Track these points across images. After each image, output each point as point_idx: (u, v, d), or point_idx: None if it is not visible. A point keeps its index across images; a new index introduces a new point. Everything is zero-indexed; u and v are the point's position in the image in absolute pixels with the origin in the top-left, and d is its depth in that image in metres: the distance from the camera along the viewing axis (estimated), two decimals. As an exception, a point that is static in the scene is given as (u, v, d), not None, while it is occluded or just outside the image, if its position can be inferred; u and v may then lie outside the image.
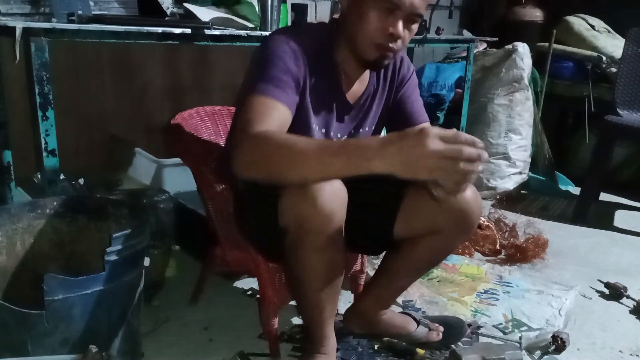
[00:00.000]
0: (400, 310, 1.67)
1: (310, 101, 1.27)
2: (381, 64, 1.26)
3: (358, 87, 1.36)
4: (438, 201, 1.07)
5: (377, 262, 1.54)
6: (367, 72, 1.37)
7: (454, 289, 1.90)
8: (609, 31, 3.44)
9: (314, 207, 1.08)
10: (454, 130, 0.93)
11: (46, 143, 1.48)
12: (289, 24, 2.22)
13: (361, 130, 1.42)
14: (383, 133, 1.51)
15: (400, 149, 0.92)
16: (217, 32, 1.75)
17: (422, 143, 0.90)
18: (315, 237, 1.13)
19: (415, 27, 1.24)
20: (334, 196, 1.09)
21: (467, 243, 2.24)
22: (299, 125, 1.26)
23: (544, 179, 3.22)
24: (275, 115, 1.12)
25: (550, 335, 1.57)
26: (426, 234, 1.34)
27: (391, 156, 0.93)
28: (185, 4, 1.84)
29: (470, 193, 1.30)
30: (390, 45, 1.21)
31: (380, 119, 1.44)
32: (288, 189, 1.11)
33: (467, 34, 3.12)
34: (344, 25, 1.26)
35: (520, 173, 3.08)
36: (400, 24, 1.18)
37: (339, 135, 1.37)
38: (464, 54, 3.07)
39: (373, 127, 1.44)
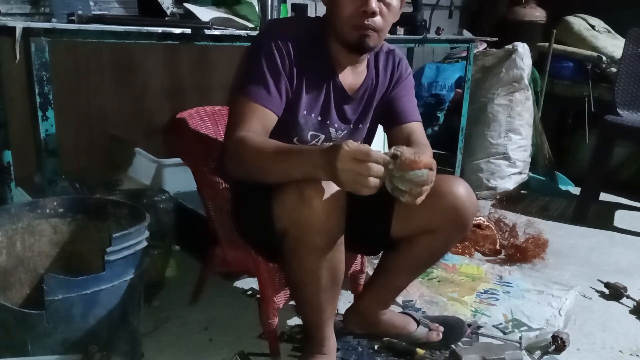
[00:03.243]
0: (400, 310, 1.67)
1: (304, 86, 1.29)
2: (364, 43, 1.26)
3: (355, 79, 1.37)
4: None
5: (377, 261, 1.54)
6: (364, 66, 1.38)
7: (454, 289, 1.90)
8: (609, 31, 3.44)
9: (311, 207, 1.09)
10: (366, 147, 0.99)
11: (46, 143, 1.48)
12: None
13: (361, 125, 1.42)
14: (380, 132, 1.52)
15: (327, 162, 1.00)
16: (217, 32, 1.75)
17: (336, 159, 0.98)
18: (315, 238, 1.13)
19: (393, 1, 1.24)
20: (330, 195, 1.10)
21: (467, 243, 2.24)
22: (291, 112, 1.29)
23: (544, 179, 3.21)
24: (257, 119, 1.21)
25: (550, 335, 1.57)
26: (422, 233, 1.35)
27: (324, 167, 1.02)
28: (185, 4, 1.84)
29: (463, 191, 1.31)
30: (367, 22, 1.22)
31: (375, 116, 1.45)
32: (283, 192, 1.11)
33: (467, 34, 3.13)
34: (328, 17, 1.30)
35: (520, 173, 3.08)
36: (372, 1, 1.20)
37: (336, 125, 1.37)
38: (464, 54, 3.07)
39: (368, 125, 1.45)
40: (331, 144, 1.07)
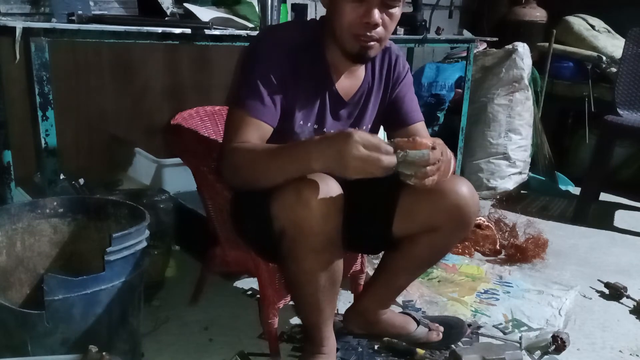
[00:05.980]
0: (400, 310, 1.67)
1: (299, 95, 1.28)
2: (366, 54, 1.24)
3: (351, 83, 1.36)
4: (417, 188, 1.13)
5: (377, 261, 1.54)
6: (362, 68, 1.37)
7: (454, 289, 1.90)
8: (609, 31, 3.45)
9: (309, 208, 1.09)
10: (377, 138, 1.04)
11: (46, 143, 1.48)
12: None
13: (357, 128, 1.41)
14: (381, 132, 1.51)
15: (331, 151, 1.02)
16: (217, 32, 1.75)
17: (346, 147, 1.01)
18: (313, 239, 1.13)
19: (395, 11, 1.22)
20: (328, 196, 1.10)
21: (467, 243, 2.24)
22: (286, 121, 1.28)
23: (544, 179, 3.22)
24: (253, 131, 1.21)
25: (550, 335, 1.57)
26: (424, 231, 1.35)
27: (325, 157, 1.03)
28: (185, 4, 1.84)
29: (466, 190, 1.31)
30: (369, 34, 1.20)
31: (377, 118, 1.44)
32: (280, 192, 1.11)
33: (467, 34, 3.13)
34: (328, 21, 1.28)
35: (520, 173, 3.08)
36: (375, 12, 1.17)
37: (332, 131, 1.36)
38: (464, 54, 3.06)
39: (370, 126, 1.44)
40: (333, 132, 1.07)
